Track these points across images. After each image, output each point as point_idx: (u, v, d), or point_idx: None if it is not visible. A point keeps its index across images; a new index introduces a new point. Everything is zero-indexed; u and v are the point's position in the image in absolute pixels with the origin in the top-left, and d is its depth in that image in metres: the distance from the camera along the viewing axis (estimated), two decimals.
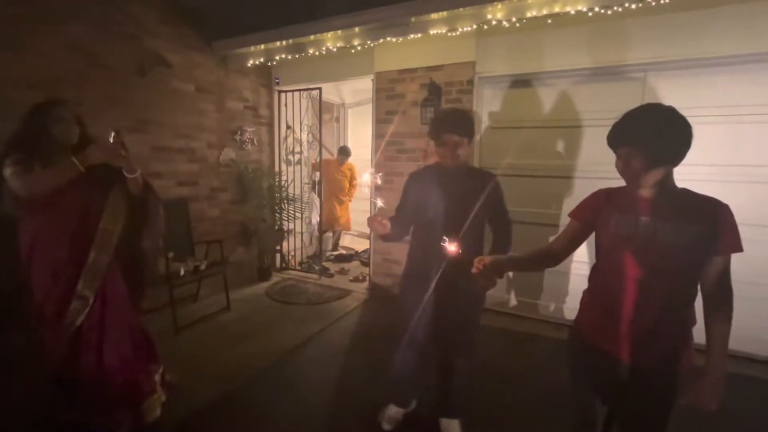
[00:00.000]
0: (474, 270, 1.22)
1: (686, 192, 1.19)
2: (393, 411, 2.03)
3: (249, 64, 3.72)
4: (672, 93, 2.73)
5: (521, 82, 3.20)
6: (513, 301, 3.39)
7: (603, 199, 1.30)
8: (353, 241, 5.99)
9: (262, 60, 3.64)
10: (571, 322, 1.43)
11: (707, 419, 1.29)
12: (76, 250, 1.65)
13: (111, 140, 1.59)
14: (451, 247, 1.36)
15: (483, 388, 2.29)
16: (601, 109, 2.87)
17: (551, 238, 1.49)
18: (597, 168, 2.83)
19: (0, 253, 1.75)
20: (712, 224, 1.12)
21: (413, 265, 1.89)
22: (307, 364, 2.64)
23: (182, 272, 2.96)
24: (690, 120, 1.14)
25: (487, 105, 3.36)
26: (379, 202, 1.82)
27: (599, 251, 1.31)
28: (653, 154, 1.13)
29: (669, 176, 1.18)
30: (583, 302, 1.38)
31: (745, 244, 1.13)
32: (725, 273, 1.16)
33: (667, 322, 1.17)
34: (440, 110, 1.76)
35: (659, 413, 1.24)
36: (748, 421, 2.06)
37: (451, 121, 1.68)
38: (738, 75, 2.58)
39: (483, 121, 3.37)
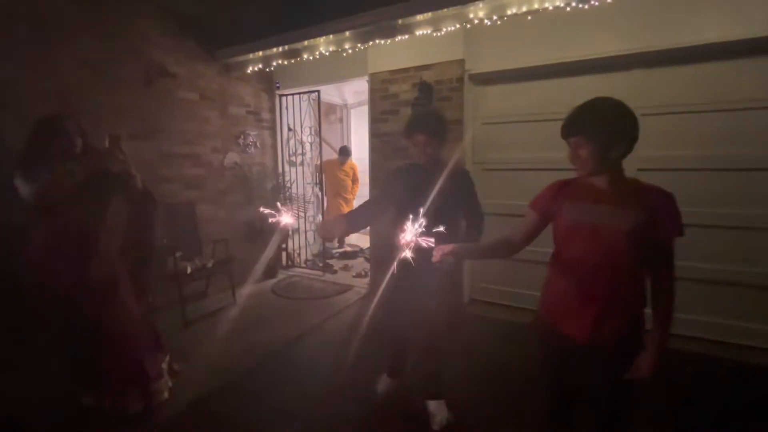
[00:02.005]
0: (434, 258, 1.34)
1: (635, 181, 1.27)
2: (386, 381, 2.27)
3: (249, 71, 3.89)
4: (658, 83, 2.75)
5: (510, 78, 3.26)
6: (512, 293, 3.45)
7: (557, 189, 1.39)
8: (359, 239, 6.12)
9: (260, 66, 3.80)
10: None
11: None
12: (83, 250, 1.82)
13: (107, 145, 1.76)
14: (411, 238, 1.45)
15: (472, 373, 2.40)
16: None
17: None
18: None
19: (16, 256, 1.94)
20: (656, 211, 1.20)
21: (384, 250, 2.06)
22: (306, 352, 2.79)
23: (189, 270, 3.15)
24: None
25: (477, 101, 3.43)
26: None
27: (555, 240, 1.39)
28: (598, 143, 1.21)
29: (617, 166, 1.26)
30: (544, 290, 1.46)
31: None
32: (670, 255, 1.24)
33: (618, 304, 1.25)
34: (414, 112, 1.91)
35: (617, 391, 1.31)
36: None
37: (422, 122, 1.86)
38: (724, 64, 2.58)
39: (475, 118, 3.45)
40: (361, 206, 2.04)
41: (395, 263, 1.83)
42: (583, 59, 2.89)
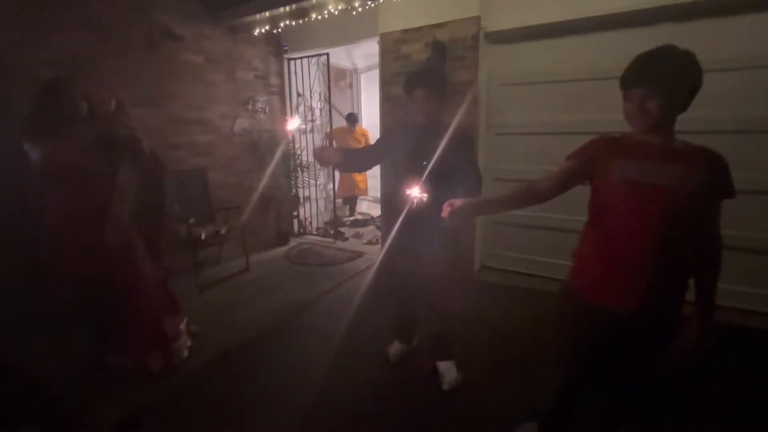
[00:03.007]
0: (443, 214, 1.25)
1: (684, 141, 1.17)
2: (397, 346, 2.27)
3: (256, 33, 3.76)
4: (688, 38, 2.56)
5: (527, 36, 3.09)
6: (525, 260, 3.43)
7: (603, 145, 1.26)
8: (370, 207, 6.12)
9: (267, 28, 3.67)
10: None
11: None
12: (95, 213, 1.83)
13: (112, 109, 1.73)
14: (415, 195, 1.41)
15: (484, 337, 2.43)
16: (615, 59, 2.74)
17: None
18: (610, 121, 2.75)
19: (30, 220, 1.97)
20: (711, 171, 1.11)
21: (386, 211, 2.06)
22: (319, 316, 2.85)
23: (203, 236, 3.19)
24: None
25: (493, 61, 3.28)
26: None
27: (597, 204, 1.27)
28: (669, 96, 1.11)
29: (672, 123, 1.16)
30: (578, 257, 1.35)
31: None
32: (718, 219, 1.16)
33: (668, 273, 1.16)
34: (412, 70, 1.88)
35: (649, 365, 1.26)
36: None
37: (420, 78, 1.85)
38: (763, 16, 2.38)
39: (490, 79, 3.31)
40: (360, 149, 2.08)
41: (397, 224, 1.84)
42: (607, 14, 2.71)
